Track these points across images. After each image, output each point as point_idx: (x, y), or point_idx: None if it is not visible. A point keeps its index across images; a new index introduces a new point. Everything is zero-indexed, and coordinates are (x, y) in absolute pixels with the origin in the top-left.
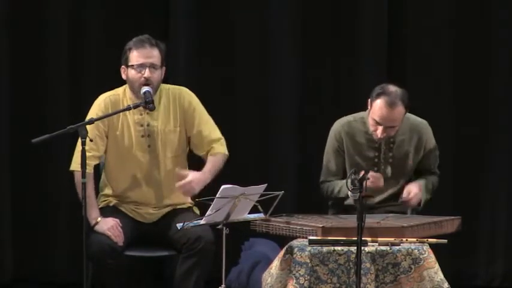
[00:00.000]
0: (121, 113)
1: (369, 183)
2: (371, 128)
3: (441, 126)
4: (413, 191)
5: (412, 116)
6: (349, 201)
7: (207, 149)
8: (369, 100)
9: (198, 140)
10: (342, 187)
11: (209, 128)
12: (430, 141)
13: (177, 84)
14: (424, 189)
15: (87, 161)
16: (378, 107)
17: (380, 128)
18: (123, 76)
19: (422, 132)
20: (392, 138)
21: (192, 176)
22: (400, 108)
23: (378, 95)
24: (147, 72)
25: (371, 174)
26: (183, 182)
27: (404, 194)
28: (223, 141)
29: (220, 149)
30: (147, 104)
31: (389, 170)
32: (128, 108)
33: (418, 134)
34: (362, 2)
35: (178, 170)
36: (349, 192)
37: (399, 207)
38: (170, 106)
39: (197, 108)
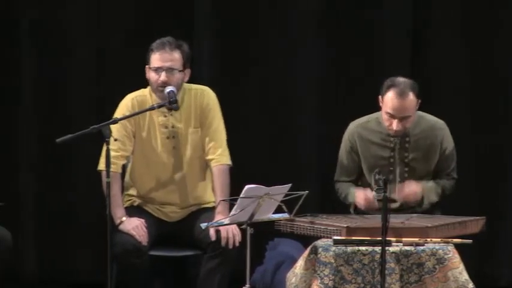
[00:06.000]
0: (147, 115)
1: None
2: (386, 124)
3: (462, 126)
4: (411, 187)
5: (428, 116)
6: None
7: (209, 155)
8: (380, 97)
9: (203, 143)
10: (347, 194)
11: (218, 135)
12: (448, 142)
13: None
14: (429, 190)
15: (115, 160)
16: (389, 99)
17: (395, 121)
18: (147, 75)
19: (439, 132)
20: (407, 138)
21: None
22: (411, 97)
23: (388, 88)
24: (163, 76)
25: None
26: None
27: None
28: (227, 151)
29: (224, 159)
30: (171, 103)
31: (405, 170)
32: (152, 108)
33: (434, 133)
34: (386, 2)
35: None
36: (374, 193)
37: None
38: (192, 106)
39: (213, 111)
